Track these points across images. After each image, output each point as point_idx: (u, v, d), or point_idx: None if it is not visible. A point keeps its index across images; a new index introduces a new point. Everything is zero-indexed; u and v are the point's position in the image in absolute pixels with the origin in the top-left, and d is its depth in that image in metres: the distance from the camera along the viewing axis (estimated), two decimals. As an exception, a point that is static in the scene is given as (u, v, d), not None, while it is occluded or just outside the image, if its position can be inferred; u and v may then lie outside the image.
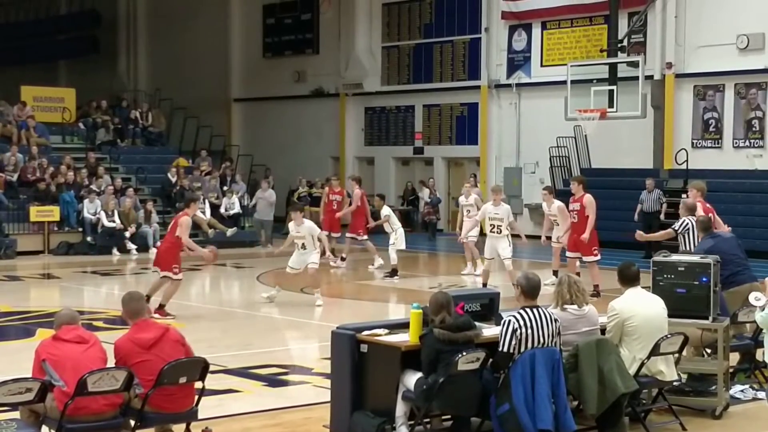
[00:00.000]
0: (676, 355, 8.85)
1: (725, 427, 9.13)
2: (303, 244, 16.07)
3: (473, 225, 19.51)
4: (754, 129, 24.56)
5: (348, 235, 21.85)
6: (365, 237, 21.60)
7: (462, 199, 20.77)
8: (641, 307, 8.63)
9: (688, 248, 12.59)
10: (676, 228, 13.11)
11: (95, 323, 13.88)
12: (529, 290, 7.97)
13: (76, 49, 40.10)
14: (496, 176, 29.27)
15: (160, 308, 14.68)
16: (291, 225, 16.46)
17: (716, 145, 25.25)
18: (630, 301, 8.64)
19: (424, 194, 29.55)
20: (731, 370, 10.11)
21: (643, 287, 8.93)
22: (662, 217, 22.80)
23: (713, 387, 9.49)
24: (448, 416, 8.38)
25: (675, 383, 9.10)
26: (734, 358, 10.49)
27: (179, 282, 15.18)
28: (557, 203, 18.33)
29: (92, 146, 29.27)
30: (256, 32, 35.86)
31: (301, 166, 32.84)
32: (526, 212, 28.48)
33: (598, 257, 17.16)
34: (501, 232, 17.11)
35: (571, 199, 17.46)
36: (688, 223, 12.98)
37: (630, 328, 8.52)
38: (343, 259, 21.66)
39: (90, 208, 24.79)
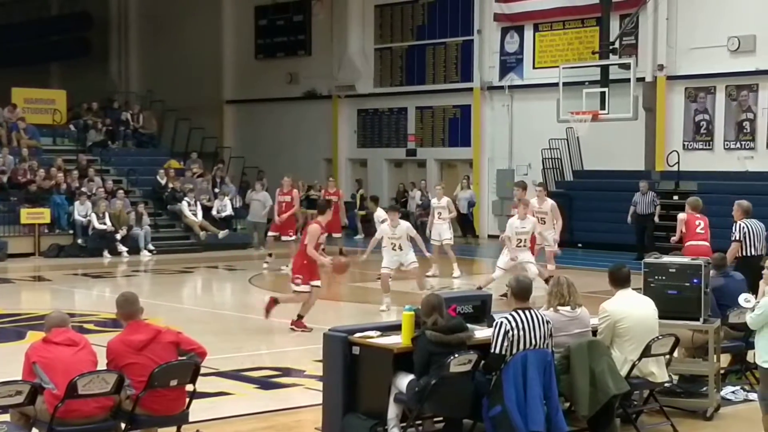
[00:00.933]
0: (667, 356, 8.86)
1: (716, 428, 9.15)
2: (399, 245, 15.87)
3: (447, 227, 19.87)
4: (745, 131, 24.60)
5: (279, 235, 21.90)
6: (293, 237, 21.52)
7: (434, 201, 20.77)
8: (633, 309, 8.64)
9: (748, 253, 12.94)
10: (736, 237, 13.64)
11: (86, 326, 13.86)
12: (520, 292, 7.98)
13: (68, 50, 40.03)
14: (488, 178, 29.27)
15: (299, 319, 13.93)
16: (384, 226, 16.18)
17: (707, 147, 25.29)
18: (621, 302, 8.65)
19: (416, 196, 29.54)
20: (722, 372, 10.12)
21: (634, 289, 8.94)
22: (656, 219, 22.82)
23: (704, 388, 9.51)
24: (440, 418, 8.38)
25: (666, 384, 9.12)
26: (725, 359, 10.52)
27: (303, 294, 14.06)
28: (550, 201, 18.22)
29: (83, 148, 29.23)
30: (249, 34, 35.83)
31: (293, 168, 32.68)
32: (519, 214, 28.44)
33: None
34: (527, 244, 16.72)
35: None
36: (744, 227, 13.41)
37: (621, 330, 8.53)
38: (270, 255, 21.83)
39: (81, 211, 24.74)
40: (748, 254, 13.45)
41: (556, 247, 17.89)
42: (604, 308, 8.62)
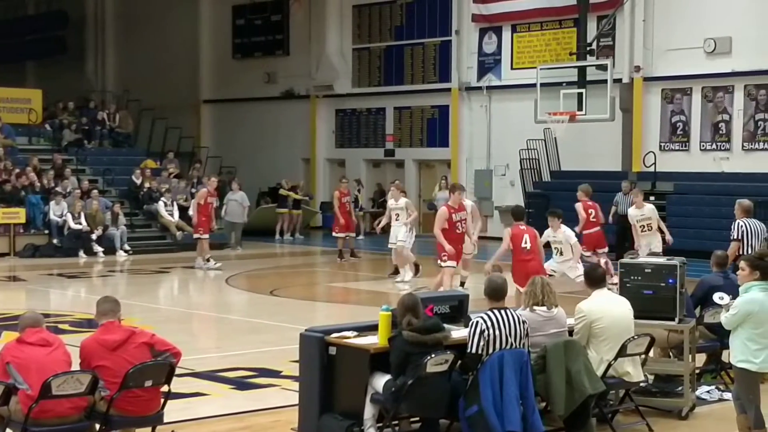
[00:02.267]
0: (643, 356, 8.89)
1: (691, 427, 9.18)
2: (560, 250, 15.41)
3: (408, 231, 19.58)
4: (721, 132, 24.73)
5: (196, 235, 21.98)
6: (206, 236, 21.73)
7: (391, 203, 20.18)
8: (609, 309, 8.66)
9: (746, 252, 12.98)
10: (735, 236, 13.63)
11: (61, 326, 13.78)
12: (492, 292, 7.99)
13: (44, 49, 39.79)
14: (466, 178, 29.31)
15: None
16: (548, 231, 15.44)
17: (684, 148, 25.41)
18: (597, 302, 8.67)
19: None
20: (697, 371, 10.16)
21: (608, 288, 8.98)
22: None
23: (680, 388, 9.53)
24: (417, 418, 8.37)
25: (642, 384, 9.15)
26: (700, 359, 10.56)
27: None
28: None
29: (59, 148, 29.08)
30: (226, 33, 35.73)
31: (271, 168, 32.74)
32: (497, 215, 28.53)
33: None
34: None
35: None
36: (743, 226, 13.44)
37: (597, 330, 8.55)
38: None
39: (56, 210, 24.60)
40: (747, 253, 13.42)
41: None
42: (580, 308, 8.64)
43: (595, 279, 8.83)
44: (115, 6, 38.91)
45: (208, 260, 21.60)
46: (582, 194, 18.35)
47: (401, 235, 19.50)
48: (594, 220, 18.47)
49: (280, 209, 29.46)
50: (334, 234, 23.63)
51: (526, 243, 14.16)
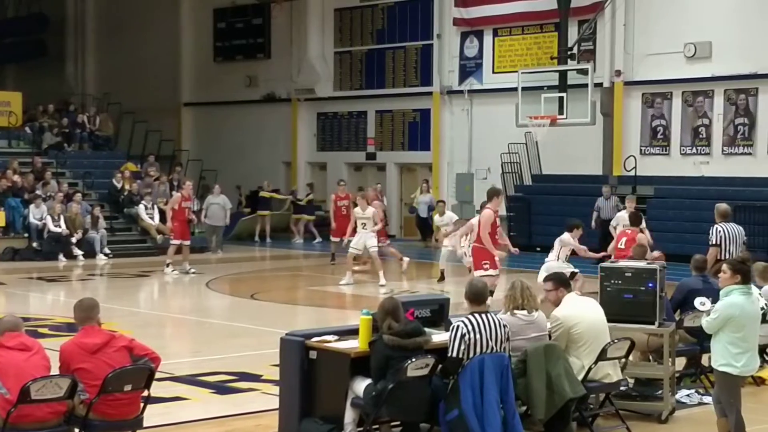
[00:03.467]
0: (623, 359, 8.91)
1: (671, 431, 9.21)
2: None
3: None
4: (701, 136, 24.84)
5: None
6: (176, 242, 21.65)
7: (357, 211, 19.77)
8: (584, 313, 8.66)
9: (724, 257, 12.95)
10: (713, 241, 13.63)
11: (40, 330, 13.70)
12: (473, 296, 7.98)
13: (24, 52, 39.65)
14: (448, 182, 29.33)
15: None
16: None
17: (664, 152, 25.51)
18: (572, 307, 8.66)
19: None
20: (677, 375, 10.19)
21: (592, 293, 8.99)
22: None
23: (659, 392, 9.56)
24: (398, 422, 8.36)
25: (622, 388, 9.17)
26: (680, 362, 10.59)
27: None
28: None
29: (39, 150, 28.94)
30: (207, 36, 35.66)
31: (252, 171, 32.70)
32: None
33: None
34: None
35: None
36: (720, 230, 13.46)
37: (576, 335, 8.54)
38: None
39: (36, 214, 24.48)
40: (724, 258, 13.42)
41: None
42: (555, 316, 8.60)
43: (564, 282, 8.83)
44: (96, 9, 38.77)
45: (168, 265, 21.55)
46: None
47: (371, 241, 19.35)
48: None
49: (262, 211, 29.41)
50: (331, 238, 23.48)
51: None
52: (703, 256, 11.30)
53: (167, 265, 21.48)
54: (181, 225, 21.76)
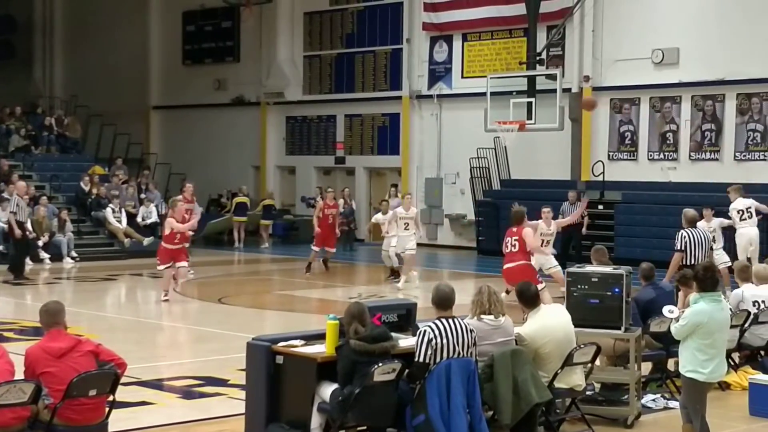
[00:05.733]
0: (589, 365, 8.94)
1: (637, 436, 9.25)
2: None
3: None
4: (668, 142, 25.00)
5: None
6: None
7: (400, 211, 19.98)
8: (551, 331, 8.60)
9: (689, 262, 12.96)
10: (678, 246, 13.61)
11: (6, 334, 13.61)
12: (440, 301, 7.98)
13: (-9, 54, 39.36)
14: (417, 187, 29.36)
15: None
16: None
17: (632, 158, 25.65)
18: (539, 326, 8.59)
19: (339, 204, 29.39)
20: (643, 380, 10.24)
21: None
22: (584, 230, 22.92)
23: (625, 396, 9.61)
24: (364, 427, 8.34)
25: (588, 393, 9.20)
26: (646, 367, 10.64)
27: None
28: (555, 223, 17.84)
29: (5, 153, 28.70)
30: (176, 39, 35.52)
31: (221, 175, 32.61)
32: (447, 222, 28.62)
33: None
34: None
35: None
36: (686, 236, 13.53)
37: (543, 354, 8.54)
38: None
39: (2, 216, 24.24)
40: (690, 263, 13.47)
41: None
42: (521, 335, 8.55)
43: (529, 298, 8.77)
44: (64, 11, 38.54)
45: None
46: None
47: (410, 244, 19.58)
48: None
49: (238, 217, 29.17)
50: (312, 246, 22.22)
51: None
52: (649, 264, 11.29)
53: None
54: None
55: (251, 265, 25.99)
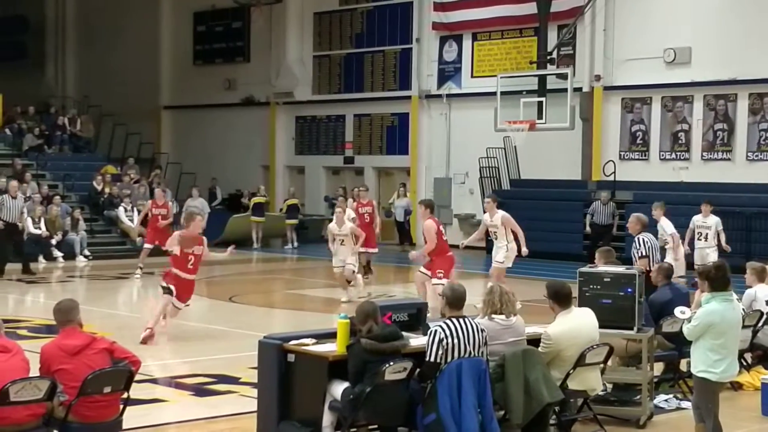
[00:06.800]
0: (602, 365, 8.93)
1: (649, 436, 9.25)
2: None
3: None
4: (680, 142, 24.96)
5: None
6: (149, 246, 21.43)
7: (333, 228, 18.03)
8: (577, 335, 8.57)
9: (651, 266, 12.73)
10: (642, 252, 13.41)
11: (19, 332, 13.64)
12: (454, 301, 7.99)
13: (3, 54, 39.39)
14: (426, 186, 29.36)
15: None
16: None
17: (643, 158, 25.61)
18: (567, 328, 8.55)
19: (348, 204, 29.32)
20: (655, 380, 10.23)
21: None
22: (614, 231, 23.02)
23: (637, 397, 9.60)
24: (375, 426, 8.37)
25: (600, 393, 9.20)
26: (658, 368, 10.64)
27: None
28: (501, 213, 16.74)
29: (19, 152, 28.81)
30: (187, 40, 35.61)
31: (230, 174, 32.68)
32: (456, 222, 28.61)
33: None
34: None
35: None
36: (647, 241, 13.40)
37: (565, 357, 8.53)
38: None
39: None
40: (652, 267, 12.64)
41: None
42: (548, 334, 8.52)
43: (562, 298, 8.70)
44: (76, 11, 38.65)
45: (141, 268, 21.41)
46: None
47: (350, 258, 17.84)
48: None
49: (256, 218, 28.95)
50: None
51: None
52: (669, 263, 11.27)
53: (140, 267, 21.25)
54: (152, 231, 21.68)
55: (263, 264, 26.00)
